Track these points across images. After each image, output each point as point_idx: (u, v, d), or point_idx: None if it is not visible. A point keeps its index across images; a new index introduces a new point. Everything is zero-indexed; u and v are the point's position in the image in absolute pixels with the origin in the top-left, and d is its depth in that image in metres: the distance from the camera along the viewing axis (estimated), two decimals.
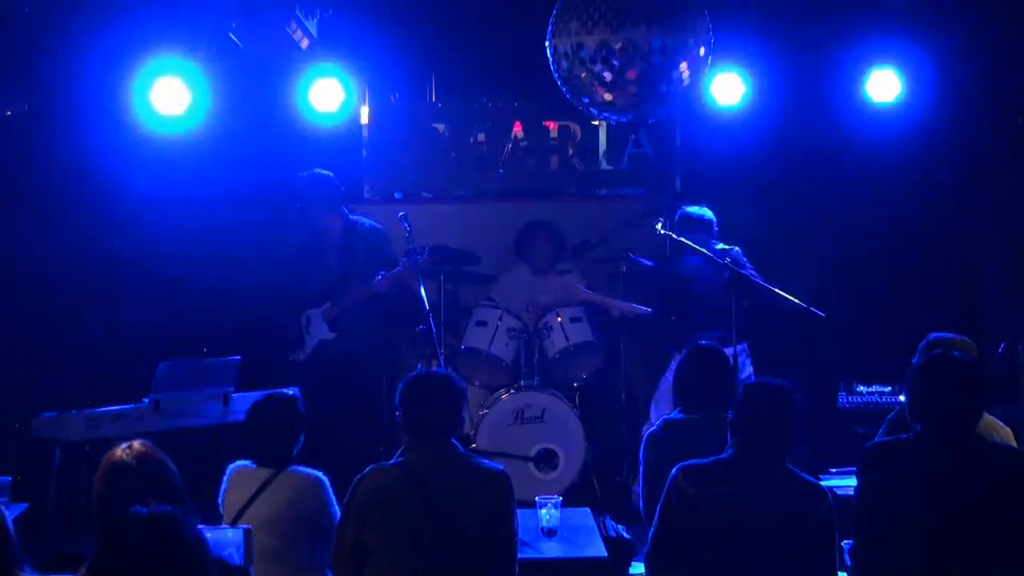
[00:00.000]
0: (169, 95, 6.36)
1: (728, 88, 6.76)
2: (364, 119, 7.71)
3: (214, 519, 4.19)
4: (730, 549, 3.56)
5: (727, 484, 3.60)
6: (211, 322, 7.23)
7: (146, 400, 5.80)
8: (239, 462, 4.26)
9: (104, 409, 5.73)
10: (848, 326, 7.14)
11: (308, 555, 4.11)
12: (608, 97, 4.72)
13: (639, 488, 6.41)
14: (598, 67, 4.63)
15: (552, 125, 7.82)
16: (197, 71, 6.31)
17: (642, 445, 4.58)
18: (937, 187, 7.59)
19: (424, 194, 7.96)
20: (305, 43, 6.22)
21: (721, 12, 5.02)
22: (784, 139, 7.26)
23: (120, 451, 3.27)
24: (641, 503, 4.49)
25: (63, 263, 7.12)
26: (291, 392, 4.55)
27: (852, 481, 3.98)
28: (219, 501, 4.21)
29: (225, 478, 4.22)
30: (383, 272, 6.47)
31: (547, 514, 4.64)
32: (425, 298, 6.17)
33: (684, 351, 4.75)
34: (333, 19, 6.34)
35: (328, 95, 6.76)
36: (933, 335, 4.69)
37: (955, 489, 3.50)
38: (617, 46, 4.57)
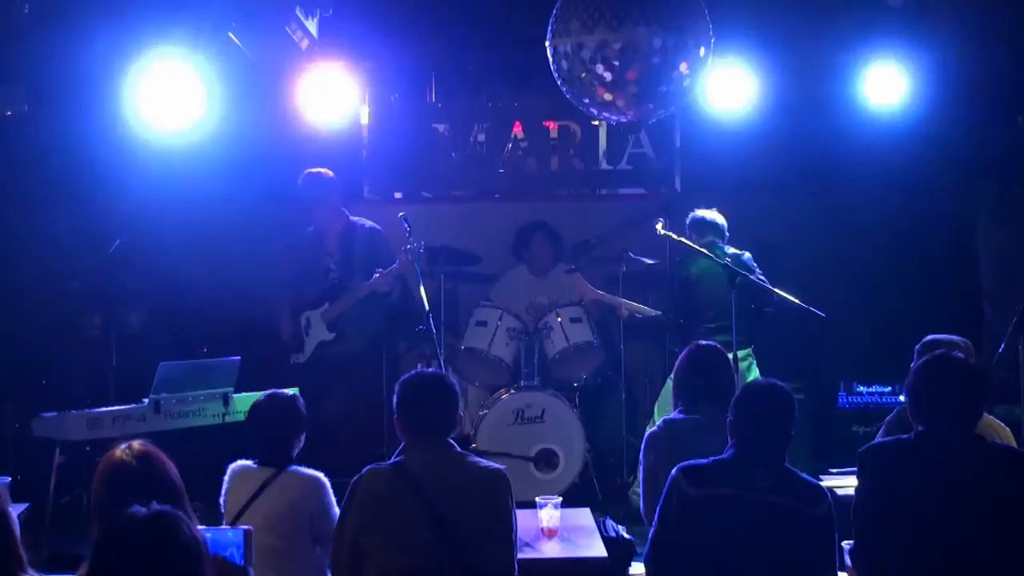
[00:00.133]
0: (169, 95, 6.36)
1: (728, 88, 6.77)
2: (364, 119, 7.71)
3: (214, 519, 4.19)
4: (730, 549, 3.56)
5: (727, 484, 3.60)
6: (211, 322, 7.24)
7: (146, 400, 5.80)
8: (240, 462, 4.26)
9: (104, 409, 5.74)
10: (848, 326, 7.14)
11: (308, 555, 4.11)
12: (608, 97, 4.72)
13: (640, 488, 6.46)
14: (598, 67, 4.63)
15: (552, 125, 7.83)
16: (197, 71, 6.31)
17: (642, 445, 4.58)
18: (937, 187, 7.61)
19: (424, 194, 7.97)
20: (305, 43, 6.22)
21: (721, 12, 5.01)
22: (784, 139, 7.26)
23: (120, 451, 3.27)
24: (642, 503, 4.49)
25: (63, 263, 7.13)
26: (292, 392, 4.54)
27: (852, 481, 3.98)
28: (220, 501, 4.21)
29: (226, 478, 4.22)
30: (380, 269, 6.48)
31: (547, 514, 4.63)
32: (425, 298, 6.17)
33: (684, 351, 4.74)
34: (333, 19, 6.34)
35: (328, 95, 6.77)
36: (930, 336, 4.69)
37: (955, 490, 3.50)
38: (617, 46, 4.57)
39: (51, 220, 7.16)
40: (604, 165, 7.86)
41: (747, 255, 6.44)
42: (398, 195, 7.94)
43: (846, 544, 3.72)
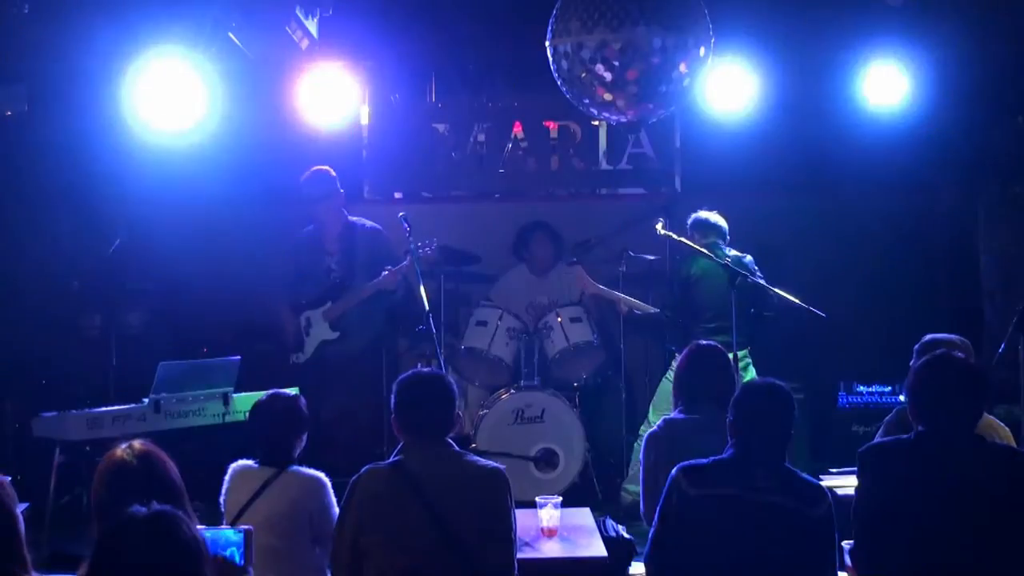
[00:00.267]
0: (168, 95, 6.36)
1: (728, 88, 6.76)
2: (364, 119, 7.71)
3: (215, 519, 4.19)
4: (730, 549, 3.56)
5: (727, 484, 3.60)
6: (211, 322, 7.24)
7: (146, 400, 5.80)
8: (241, 461, 4.26)
9: (104, 409, 5.74)
10: (848, 326, 7.15)
11: (309, 555, 4.11)
12: (608, 97, 4.72)
13: (630, 486, 6.47)
14: (598, 67, 4.63)
15: (552, 125, 7.82)
16: (197, 71, 6.30)
17: (642, 445, 4.58)
18: (937, 187, 7.61)
19: (424, 194, 7.96)
20: (305, 43, 6.22)
21: (721, 12, 5.01)
22: (784, 139, 7.26)
23: (121, 450, 3.27)
24: (642, 503, 4.48)
25: (63, 263, 7.13)
26: (293, 392, 4.54)
27: (852, 481, 3.98)
28: (220, 500, 4.21)
29: (227, 477, 4.22)
30: (389, 267, 6.47)
31: (547, 514, 4.63)
32: (425, 298, 6.17)
33: (685, 351, 4.74)
34: (333, 19, 6.33)
35: (328, 95, 6.77)
36: (929, 336, 4.69)
37: (955, 489, 3.50)
38: (617, 46, 4.56)
39: (51, 220, 7.16)
40: (604, 165, 7.86)
41: (748, 258, 6.44)
42: (398, 195, 7.94)
43: (846, 544, 3.72)
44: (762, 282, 6.19)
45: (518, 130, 7.80)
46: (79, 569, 2.93)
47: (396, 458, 3.77)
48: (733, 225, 6.63)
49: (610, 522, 5.28)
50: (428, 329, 6.14)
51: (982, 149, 7.34)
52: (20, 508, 3.09)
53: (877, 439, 4.43)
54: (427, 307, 6.16)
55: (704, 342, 4.84)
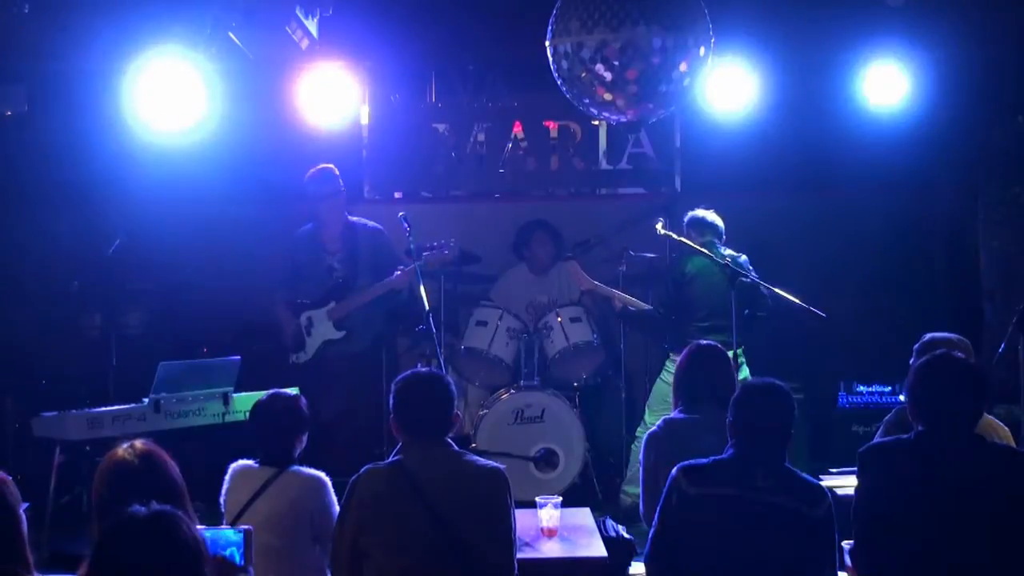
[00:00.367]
0: (168, 95, 6.36)
1: (728, 88, 6.76)
2: (364, 119, 7.71)
3: (215, 519, 4.19)
4: (730, 549, 3.56)
5: (727, 484, 3.60)
6: (211, 322, 7.24)
7: (146, 400, 5.80)
8: (241, 461, 4.26)
9: (104, 409, 5.74)
10: (848, 326, 7.15)
11: (309, 555, 4.11)
12: (608, 97, 4.72)
13: (629, 487, 6.47)
14: (598, 67, 4.63)
15: (552, 125, 7.82)
16: (197, 71, 6.30)
17: (642, 445, 4.58)
18: (937, 187, 7.61)
19: (424, 194, 7.96)
20: (305, 43, 6.21)
21: (722, 11, 5.01)
22: (784, 139, 7.27)
23: (122, 450, 3.27)
24: (641, 504, 4.49)
25: (63, 263, 7.13)
26: (294, 392, 4.54)
27: (852, 481, 3.98)
28: (221, 500, 4.21)
29: (227, 477, 4.23)
30: (402, 267, 6.46)
31: (547, 514, 4.64)
32: (425, 298, 6.17)
33: (685, 350, 4.74)
34: (333, 19, 6.33)
35: (328, 95, 6.77)
36: (929, 335, 4.69)
37: (955, 489, 3.50)
38: (617, 46, 4.56)
39: (51, 220, 7.16)
40: (604, 165, 7.85)
41: (743, 257, 6.44)
42: (398, 195, 7.93)
43: (846, 544, 3.72)
44: (760, 282, 6.20)
45: (518, 130, 7.80)
46: (79, 569, 2.93)
47: (395, 458, 3.77)
48: (733, 225, 6.63)
49: (610, 522, 5.29)
50: (428, 329, 6.14)
51: (982, 149, 7.34)
52: (20, 508, 3.10)
53: (877, 439, 4.43)
54: (427, 307, 6.16)
55: (705, 342, 4.84)
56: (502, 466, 3.81)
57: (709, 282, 6.34)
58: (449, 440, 3.82)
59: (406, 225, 6.38)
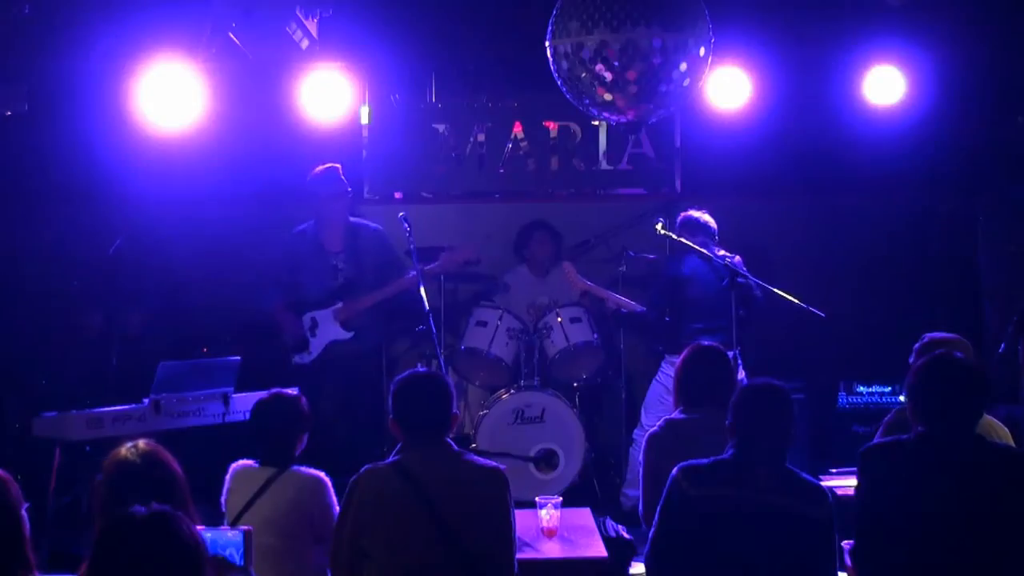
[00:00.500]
0: (168, 95, 6.37)
1: (729, 88, 6.77)
2: (364, 119, 7.71)
3: (215, 519, 4.19)
4: (730, 550, 3.56)
5: (728, 484, 3.60)
6: (211, 322, 7.24)
7: (146, 400, 5.80)
8: (242, 461, 4.26)
9: (104, 409, 5.73)
10: (848, 326, 7.15)
11: (310, 555, 4.11)
12: (608, 97, 4.72)
13: (629, 490, 6.47)
14: (598, 67, 4.63)
15: (552, 125, 7.82)
16: (197, 71, 6.31)
17: (643, 445, 4.57)
18: (937, 187, 7.61)
19: (424, 194, 7.96)
20: (305, 43, 6.22)
21: (722, 12, 5.01)
22: (784, 139, 7.27)
23: (126, 449, 3.27)
24: (640, 504, 4.48)
25: (63, 263, 7.13)
26: (295, 392, 4.54)
27: (852, 481, 3.98)
28: (221, 500, 4.21)
29: (228, 477, 4.23)
30: (420, 267, 6.46)
31: (547, 514, 4.64)
32: (425, 298, 6.17)
33: (685, 351, 4.74)
34: (333, 19, 6.33)
35: (328, 95, 6.77)
36: (928, 335, 4.69)
37: (955, 489, 3.50)
38: (617, 46, 4.56)
39: (51, 220, 7.16)
40: (604, 165, 7.85)
41: (737, 258, 6.45)
42: (398, 195, 7.93)
43: (846, 544, 3.72)
44: (758, 282, 6.20)
45: (518, 130, 7.80)
46: (79, 569, 2.93)
47: (395, 458, 3.77)
48: (733, 225, 6.64)
49: (610, 522, 5.29)
50: (428, 329, 6.14)
51: (982, 149, 7.34)
52: (23, 508, 3.10)
53: (877, 439, 4.43)
54: (427, 307, 6.16)
55: (705, 342, 4.84)
56: (502, 466, 3.82)
57: (705, 283, 6.36)
58: (449, 440, 3.82)
59: (406, 225, 6.37)
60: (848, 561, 3.71)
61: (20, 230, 7.10)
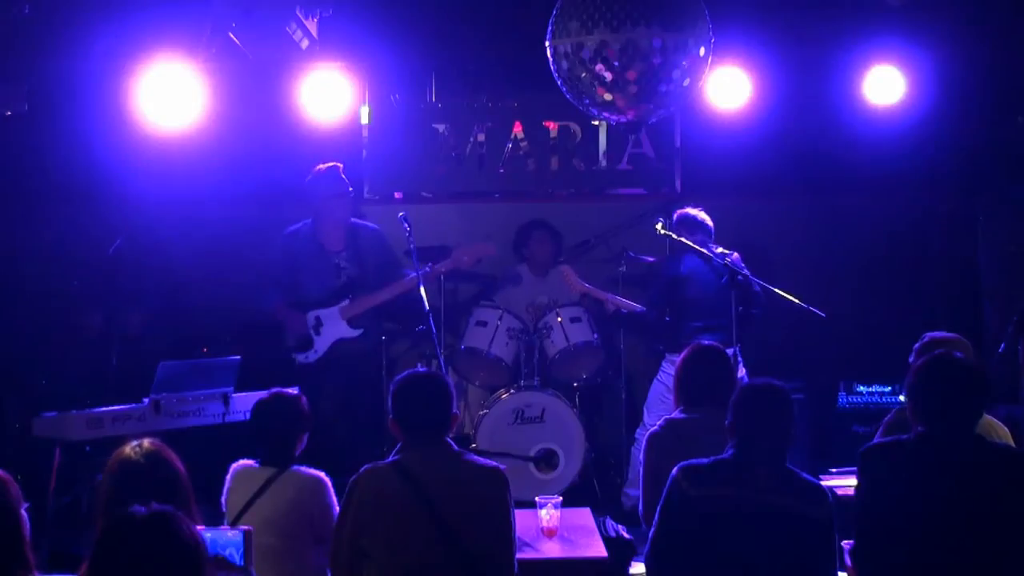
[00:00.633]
0: (168, 95, 6.37)
1: (728, 88, 6.77)
2: (364, 119, 7.71)
3: (215, 519, 4.19)
4: (730, 549, 3.56)
5: (728, 484, 3.60)
6: (211, 322, 7.24)
7: (146, 400, 5.80)
8: (242, 461, 4.26)
9: (104, 409, 5.73)
10: (848, 326, 7.15)
11: (310, 555, 4.11)
12: (608, 97, 4.72)
13: (630, 490, 6.47)
14: (598, 67, 4.63)
15: (552, 125, 7.82)
16: (197, 71, 6.31)
17: (643, 445, 4.57)
18: (937, 187, 7.61)
19: (424, 194, 7.96)
20: (305, 43, 6.22)
21: (722, 12, 5.01)
22: (784, 139, 7.27)
23: (129, 448, 3.27)
24: (640, 504, 4.48)
25: (63, 263, 7.13)
26: (295, 391, 4.54)
27: (852, 481, 3.98)
28: (221, 500, 4.21)
29: (228, 477, 4.23)
30: (430, 264, 6.44)
31: (547, 514, 4.64)
32: (425, 298, 6.17)
33: (686, 350, 4.74)
34: (333, 19, 6.33)
35: (328, 95, 6.77)
36: (928, 335, 4.70)
37: (955, 489, 3.50)
38: (617, 46, 4.56)
39: (51, 220, 7.16)
40: (604, 165, 7.85)
41: (735, 255, 6.45)
42: (398, 195, 7.93)
43: (846, 544, 3.72)
44: (755, 280, 6.20)
45: (518, 130, 7.80)
46: (79, 569, 2.93)
47: (395, 458, 3.77)
48: (733, 225, 6.64)
49: (610, 522, 5.29)
50: (428, 329, 6.14)
51: (982, 149, 7.35)
52: (22, 508, 3.10)
53: (877, 439, 4.43)
54: (427, 307, 6.16)
55: (705, 342, 4.84)
56: (502, 466, 3.82)
57: (704, 282, 6.36)
58: (449, 440, 3.82)
59: (406, 225, 6.37)
60: (848, 561, 3.71)
61: (20, 230, 7.10)
